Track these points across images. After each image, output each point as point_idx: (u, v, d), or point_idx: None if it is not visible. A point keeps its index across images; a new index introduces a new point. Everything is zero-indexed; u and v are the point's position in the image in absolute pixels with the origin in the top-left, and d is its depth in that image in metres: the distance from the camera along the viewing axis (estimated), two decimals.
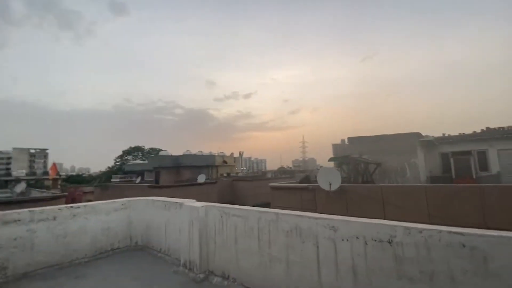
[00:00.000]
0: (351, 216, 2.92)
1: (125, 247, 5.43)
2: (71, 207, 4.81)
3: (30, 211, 4.33)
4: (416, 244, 2.18)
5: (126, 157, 56.61)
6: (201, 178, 18.43)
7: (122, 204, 5.50)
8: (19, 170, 52.69)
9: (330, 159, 15.86)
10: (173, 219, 4.79)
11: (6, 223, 4.09)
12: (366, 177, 10.13)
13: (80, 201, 30.50)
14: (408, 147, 10.90)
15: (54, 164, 11.43)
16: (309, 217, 2.89)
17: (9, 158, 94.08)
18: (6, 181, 35.08)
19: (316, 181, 11.23)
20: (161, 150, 57.24)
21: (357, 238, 2.50)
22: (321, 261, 2.74)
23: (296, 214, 3.03)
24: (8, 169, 75.37)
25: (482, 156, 11.47)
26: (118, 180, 34.71)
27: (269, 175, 25.93)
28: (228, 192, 22.19)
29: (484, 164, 11.35)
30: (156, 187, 16.14)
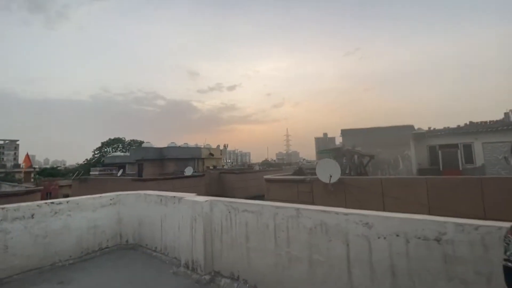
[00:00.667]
0: (350, 208, 2.71)
1: (115, 246, 4.92)
2: (52, 203, 4.22)
3: (2, 208, 3.72)
4: (470, 242, 1.95)
5: (105, 149, 54.14)
6: (188, 171, 17.80)
7: (111, 199, 4.95)
8: None
9: (321, 152, 15.83)
10: (171, 215, 4.34)
11: None
12: (359, 170, 10.12)
13: (56, 195, 28.77)
14: (401, 140, 11.00)
15: (27, 155, 10.32)
16: (337, 213, 2.59)
17: None
18: None
19: (309, 173, 11.08)
20: (143, 142, 55.20)
21: (397, 235, 2.24)
22: (351, 261, 2.46)
23: (321, 210, 2.72)
24: None
25: (468, 149, 11.84)
26: (97, 173, 33.03)
27: (256, 168, 25.69)
28: (216, 185, 21.71)
29: (469, 157, 11.73)
30: (140, 180, 15.35)
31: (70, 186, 29.82)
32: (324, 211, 2.68)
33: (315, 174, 10.64)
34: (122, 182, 16.85)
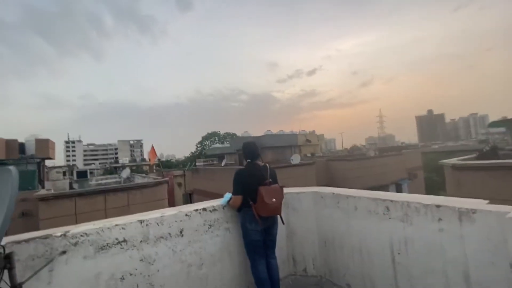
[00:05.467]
0: None
1: (288, 277, 3.02)
2: (204, 209, 2.55)
3: (140, 221, 2.19)
4: None
5: (205, 143, 59.75)
6: (296, 159, 15.84)
7: None
8: (123, 158, 61.97)
9: (493, 124, 10.87)
10: (431, 245, 1.98)
11: (103, 248, 2.01)
12: None
13: (172, 184, 32.67)
14: None
15: (152, 148, 10.67)
16: None
17: (116, 149, 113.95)
18: (115, 168, 40.79)
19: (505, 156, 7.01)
20: (235, 134, 58.08)
21: None
22: None
23: None
24: (116, 158, 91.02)
25: None
26: (202, 164, 35.99)
27: (371, 154, 21.57)
28: (323, 175, 19.12)
29: None
30: None
31: (181, 176, 33.35)
32: None
33: None
34: (231, 172, 16.43)
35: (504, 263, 1.64)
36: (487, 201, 1.92)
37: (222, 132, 62.09)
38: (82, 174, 17.02)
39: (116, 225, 2.08)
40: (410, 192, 19.56)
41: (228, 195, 2.71)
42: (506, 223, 1.60)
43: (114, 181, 18.05)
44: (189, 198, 24.17)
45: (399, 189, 20.58)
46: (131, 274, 2.10)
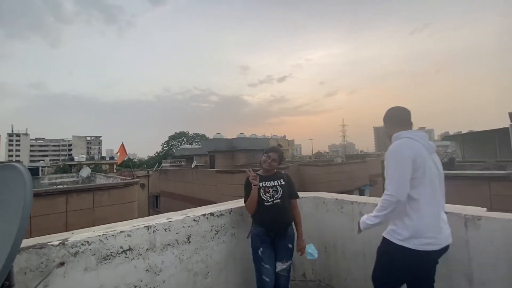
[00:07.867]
0: None
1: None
2: (212, 214, 2.41)
3: (147, 227, 1.99)
4: None
5: (172, 143, 57.45)
6: None
7: None
8: (79, 155, 56.67)
9: (447, 138, 12.13)
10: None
11: (106, 258, 1.78)
12: None
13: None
14: None
15: (122, 146, 9.86)
16: None
17: (70, 145, 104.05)
18: (70, 166, 37.14)
19: (461, 167, 7.90)
20: (204, 135, 56.86)
21: None
22: None
23: None
24: (70, 154, 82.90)
25: None
26: (168, 164, 34.43)
27: (339, 160, 22.74)
28: (294, 179, 19.60)
29: None
30: (225, 172, 14.15)
31: (145, 177, 31.42)
32: None
33: (469, 167, 7.51)
34: (204, 174, 15.99)
35: (505, 264, 1.81)
36: (485, 209, 2.12)
37: (191, 132, 60.39)
38: (33, 172, 15.15)
39: (122, 231, 1.86)
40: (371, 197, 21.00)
41: (314, 249, 2.57)
42: (509, 228, 1.78)
43: (71, 180, 16.40)
44: (155, 201, 22.98)
45: (362, 194, 21.98)
46: (135, 287, 1.89)
